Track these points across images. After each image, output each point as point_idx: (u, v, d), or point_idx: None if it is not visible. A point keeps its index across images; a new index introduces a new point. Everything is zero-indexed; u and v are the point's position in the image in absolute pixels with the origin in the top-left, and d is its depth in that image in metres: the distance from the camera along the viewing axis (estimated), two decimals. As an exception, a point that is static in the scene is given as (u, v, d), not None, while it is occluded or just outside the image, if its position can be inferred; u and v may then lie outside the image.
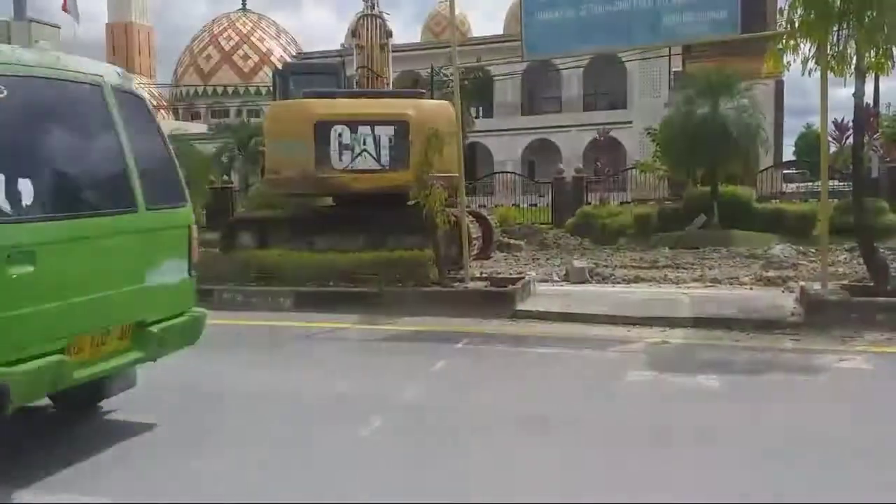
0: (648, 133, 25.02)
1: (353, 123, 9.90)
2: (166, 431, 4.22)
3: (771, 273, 9.56)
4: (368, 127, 9.99)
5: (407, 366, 5.69)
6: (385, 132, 9.98)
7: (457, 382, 5.21)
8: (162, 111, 49.24)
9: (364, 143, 9.93)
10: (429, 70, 27.58)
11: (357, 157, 9.91)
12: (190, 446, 3.97)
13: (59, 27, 9.99)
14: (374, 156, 9.96)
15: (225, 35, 49.25)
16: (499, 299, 7.58)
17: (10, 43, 9.39)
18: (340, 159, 9.84)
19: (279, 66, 12.54)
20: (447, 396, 4.82)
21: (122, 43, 57.24)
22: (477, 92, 31.24)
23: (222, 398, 4.86)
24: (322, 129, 9.78)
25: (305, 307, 8.09)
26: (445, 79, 25.67)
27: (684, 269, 10.63)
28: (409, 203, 9.76)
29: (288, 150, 9.74)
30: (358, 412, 4.44)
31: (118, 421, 4.40)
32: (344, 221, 11.04)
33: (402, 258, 8.24)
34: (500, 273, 9.98)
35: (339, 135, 9.84)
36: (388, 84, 12.73)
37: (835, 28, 6.42)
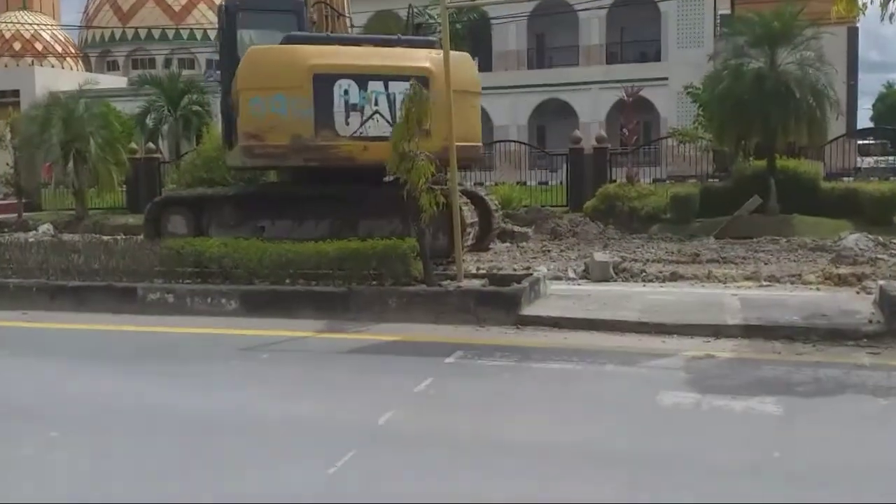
0: (688, 92, 25.11)
1: (361, 78, 9.78)
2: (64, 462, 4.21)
3: (843, 269, 9.66)
4: (381, 83, 9.91)
5: (384, 385, 5.70)
6: (400, 90, 9.73)
7: (447, 405, 5.22)
8: (69, 59, 48.85)
9: (376, 103, 9.85)
10: (407, 10, 27.53)
11: (367, 120, 9.81)
12: (98, 482, 3.95)
13: None
14: (389, 120, 9.86)
15: (149, -37, 48.77)
16: (500, 302, 7.61)
17: None
18: (347, 123, 9.73)
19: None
20: (435, 423, 4.83)
21: (16, -29, 56.54)
22: (471, 38, 31.19)
23: (141, 421, 4.85)
24: (322, 84, 9.64)
25: (255, 311, 8.09)
26: (431, 21, 25.65)
27: (734, 263, 10.72)
28: (385, 179, 9.78)
29: (276, 109, 9.56)
30: (322, 443, 4.44)
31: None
32: (302, 202, 11.06)
33: (377, 249, 8.24)
34: (501, 269, 10.03)
35: (345, 92, 9.72)
36: (351, 27, 12.70)
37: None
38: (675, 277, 9.57)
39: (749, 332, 6.71)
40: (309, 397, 5.46)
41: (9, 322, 8.24)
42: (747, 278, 9.41)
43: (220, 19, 11.43)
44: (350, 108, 9.73)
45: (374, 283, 8.13)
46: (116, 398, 5.49)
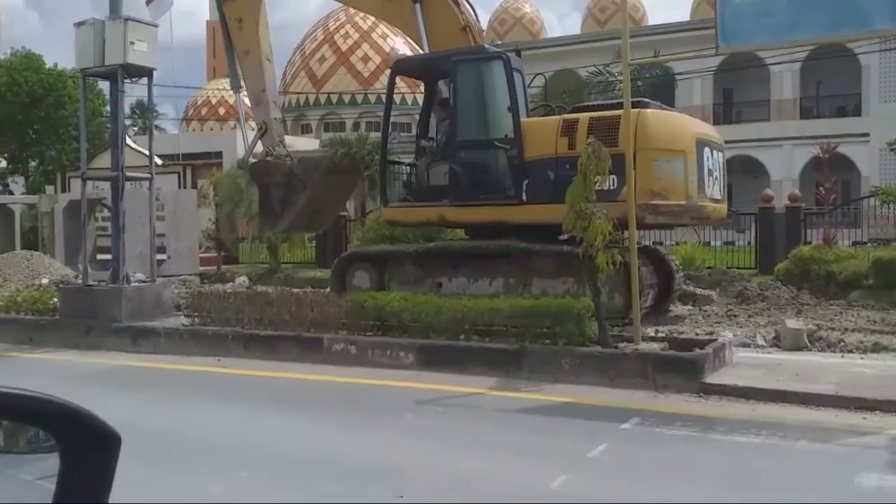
0: (892, 149, 23.55)
1: (710, 146, 11.13)
2: None
3: None
4: (717, 152, 11.39)
5: (557, 447, 5.65)
6: (720, 159, 11.48)
7: (622, 473, 5.09)
8: (267, 123, 52.75)
9: (717, 169, 11.28)
10: (590, 68, 27.70)
11: (714, 184, 11.12)
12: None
13: (156, 26, 11.16)
14: (720, 184, 11.36)
15: (342, 32, 52.15)
16: (681, 367, 7.36)
17: (103, 43, 10.69)
18: (708, 185, 10.91)
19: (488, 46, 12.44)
20: (609, 491, 4.72)
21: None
22: (654, 95, 30.81)
23: (319, 468, 5.08)
24: (699, 150, 10.81)
25: (431, 365, 8.31)
26: (612, 79, 25.64)
27: (947, 336, 9.80)
28: (561, 238, 9.85)
29: (675, 171, 10.40)
30: (492, 500, 4.46)
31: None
32: (479, 259, 11.31)
33: (551, 308, 8.24)
34: (682, 332, 9.71)
35: (708, 158, 10.91)
36: None
37: None
38: (877, 349, 8.86)
39: (966, 413, 6.09)
40: (482, 455, 5.50)
41: (205, 367, 8.93)
42: (964, 353, 8.55)
43: (469, 70, 11.71)
44: (709, 173, 10.93)
45: (548, 342, 8.11)
46: (299, 444, 5.79)
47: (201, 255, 22.69)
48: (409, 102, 37.95)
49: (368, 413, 6.83)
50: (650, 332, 9.28)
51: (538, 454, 5.51)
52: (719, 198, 11.44)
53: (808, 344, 9.05)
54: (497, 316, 8.47)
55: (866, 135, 30.93)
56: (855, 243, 19.49)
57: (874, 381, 7.11)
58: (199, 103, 55.65)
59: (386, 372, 8.26)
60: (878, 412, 6.25)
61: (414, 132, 16.80)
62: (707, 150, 10.95)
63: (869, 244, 19.32)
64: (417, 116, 14.17)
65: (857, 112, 33.92)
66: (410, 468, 5.16)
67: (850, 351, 8.81)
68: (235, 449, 5.69)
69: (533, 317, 8.26)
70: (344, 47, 52.05)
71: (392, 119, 13.14)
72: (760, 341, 9.46)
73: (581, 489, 4.74)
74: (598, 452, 5.39)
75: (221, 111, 53.84)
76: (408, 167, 13.11)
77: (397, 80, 13.35)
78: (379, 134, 16.18)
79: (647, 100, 11.19)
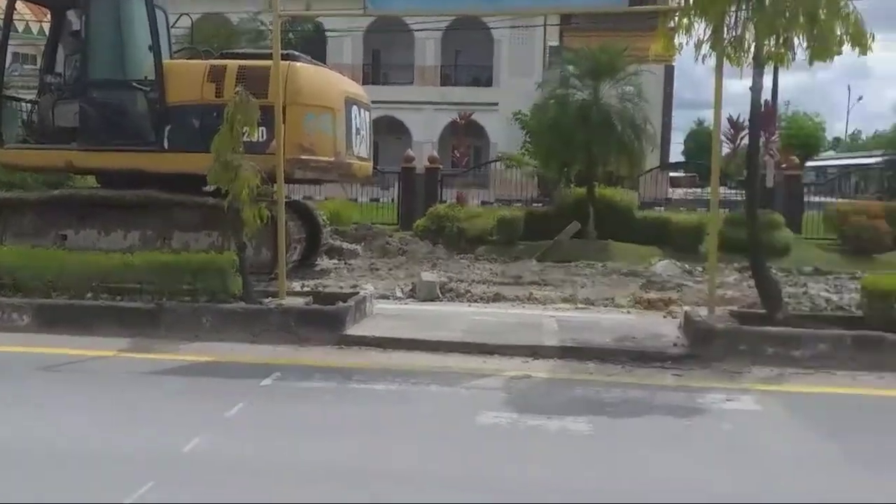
0: (517, 119, 26.00)
1: (356, 104, 11.26)
2: None
3: (652, 294, 10.25)
4: (364, 111, 11.63)
5: (192, 410, 5.39)
6: (367, 118, 11.72)
7: (260, 431, 4.99)
8: None
9: (364, 128, 11.54)
10: (240, 15, 26.86)
11: (361, 142, 11.40)
12: None
13: None
14: (367, 143, 11.72)
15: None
16: (323, 321, 7.46)
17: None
18: (354, 143, 11.11)
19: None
20: (245, 449, 4.60)
21: None
22: (305, 48, 30.81)
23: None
24: (348, 108, 10.84)
25: (52, 327, 7.51)
26: (262, 27, 25.15)
27: (552, 286, 11.12)
28: (206, 189, 9.46)
29: (324, 127, 10.33)
30: (117, 473, 4.13)
31: None
32: (112, 210, 10.48)
33: (191, 263, 7.85)
34: (327, 286, 9.88)
35: (356, 117, 11.10)
36: None
37: (732, 9, 7.01)
38: (498, 298, 9.79)
39: (565, 353, 6.94)
40: (105, 423, 5.06)
41: None
42: (565, 300, 9.77)
43: (103, 2, 10.59)
44: (356, 130, 11.12)
45: (188, 299, 7.72)
46: None
47: None
48: (35, 32, 33.72)
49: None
50: (297, 286, 9.31)
51: (171, 417, 5.21)
52: (366, 156, 11.79)
53: (441, 295, 9.73)
54: (130, 272, 7.87)
55: (496, 104, 33.95)
56: (483, 203, 21.40)
57: (494, 328, 7.82)
58: None
59: (-3, 335, 7.27)
60: (496, 356, 6.89)
61: (39, 65, 14.95)
62: (355, 108, 11.18)
63: (495, 204, 21.30)
64: (43, 48, 12.61)
65: (489, 83, 37.12)
66: (18, 440, 4.57)
67: (476, 301, 9.62)
68: None
69: (171, 272, 7.81)
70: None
71: (13, 49, 11.52)
72: (399, 293, 9.95)
73: (215, 450, 4.57)
74: (235, 411, 5.24)
75: None
76: (29, 104, 11.63)
77: (18, 5, 11.70)
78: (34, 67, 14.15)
79: (297, 53, 11.08)
